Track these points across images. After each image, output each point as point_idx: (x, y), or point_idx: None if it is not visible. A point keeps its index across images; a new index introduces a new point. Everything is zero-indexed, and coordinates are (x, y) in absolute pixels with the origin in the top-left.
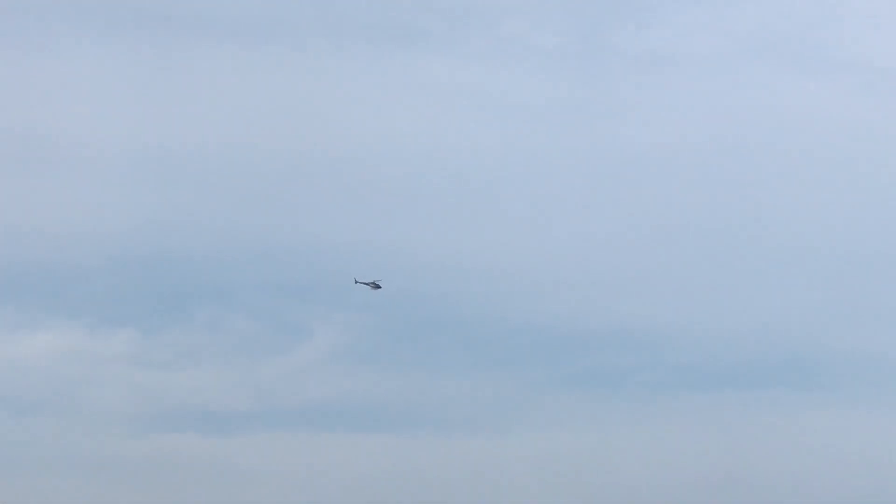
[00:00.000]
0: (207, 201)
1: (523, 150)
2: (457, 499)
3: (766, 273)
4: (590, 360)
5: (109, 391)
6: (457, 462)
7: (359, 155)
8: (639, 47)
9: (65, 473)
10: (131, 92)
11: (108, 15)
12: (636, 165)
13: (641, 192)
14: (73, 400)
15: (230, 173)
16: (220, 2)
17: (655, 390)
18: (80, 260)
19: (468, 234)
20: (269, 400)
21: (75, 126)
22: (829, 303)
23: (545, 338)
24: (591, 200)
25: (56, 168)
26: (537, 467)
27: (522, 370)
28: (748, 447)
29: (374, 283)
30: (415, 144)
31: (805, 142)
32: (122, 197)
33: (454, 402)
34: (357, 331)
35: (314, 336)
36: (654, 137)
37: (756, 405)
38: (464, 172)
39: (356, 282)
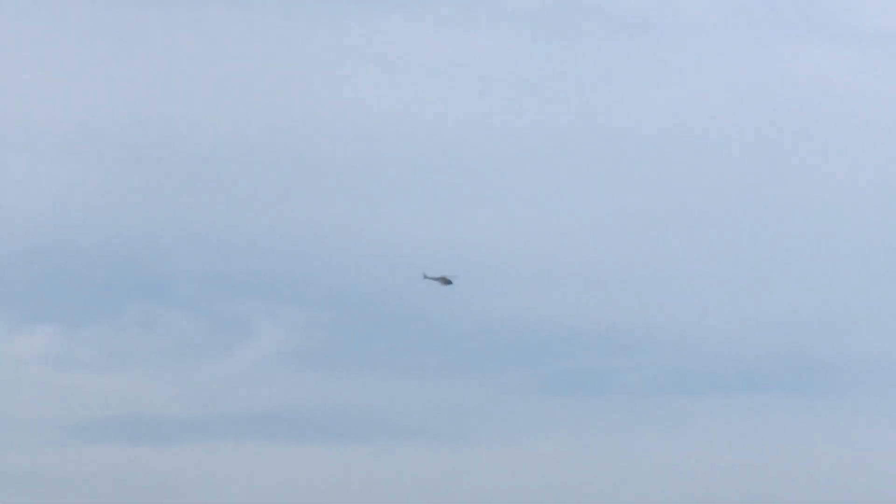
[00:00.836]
0: (138, 183)
1: (497, 126)
2: None
3: (763, 270)
4: (570, 362)
5: (27, 396)
6: (419, 476)
7: (313, 131)
8: (625, 11)
9: None
10: (55, 64)
11: None
12: (623, 144)
13: (629, 175)
14: None
15: (164, 152)
16: None
17: (642, 394)
18: None
19: (434, 221)
20: (208, 406)
21: None
22: (827, 304)
23: (520, 337)
24: (572, 182)
25: None
26: (511, 481)
27: (494, 373)
28: (742, 452)
29: (444, 277)
30: (375, 119)
31: (810, 117)
32: (41, 178)
33: (416, 409)
34: (306, 329)
35: (258, 335)
36: (642, 113)
37: (750, 409)
38: (430, 150)
39: (425, 277)
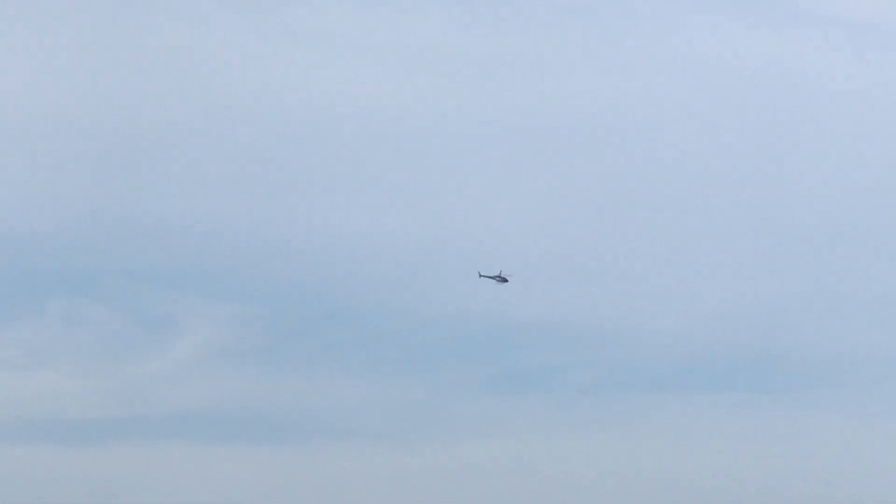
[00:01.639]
0: (59, 171)
1: (427, 111)
2: None
3: (712, 267)
4: (516, 360)
5: None
6: (357, 478)
7: (236, 117)
8: None
9: None
10: None
11: None
12: (561, 129)
13: (570, 162)
14: None
15: (89, 144)
16: None
17: (590, 392)
18: None
19: (369, 211)
20: (136, 406)
21: None
22: (775, 300)
23: (460, 333)
24: (510, 170)
25: None
26: (452, 482)
27: (436, 371)
28: (689, 450)
29: (499, 276)
30: (312, 108)
31: (761, 102)
32: None
33: (355, 409)
34: (238, 326)
35: (188, 332)
36: (578, 97)
37: (698, 406)
38: (370, 140)
39: (480, 275)
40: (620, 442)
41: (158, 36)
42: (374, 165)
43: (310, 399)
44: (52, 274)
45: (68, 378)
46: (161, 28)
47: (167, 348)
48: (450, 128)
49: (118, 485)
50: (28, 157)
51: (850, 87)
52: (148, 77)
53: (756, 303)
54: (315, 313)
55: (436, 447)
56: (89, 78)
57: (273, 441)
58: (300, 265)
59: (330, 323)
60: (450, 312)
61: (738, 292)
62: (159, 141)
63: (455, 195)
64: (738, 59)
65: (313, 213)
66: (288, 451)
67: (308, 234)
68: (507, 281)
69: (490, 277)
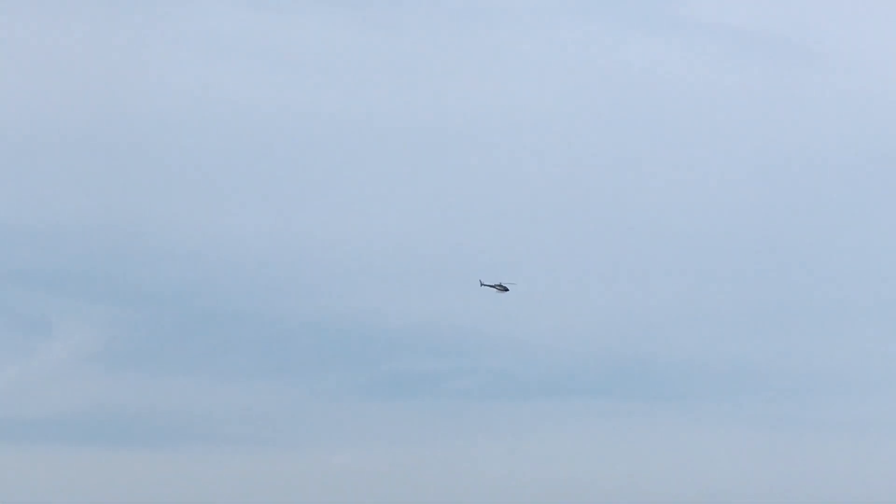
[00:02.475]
0: None
1: (312, 113)
2: None
3: (592, 274)
4: (396, 365)
5: None
6: (234, 483)
7: (113, 116)
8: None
9: None
10: None
11: None
12: (448, 134)
13: (453, 165)
14: None
15: None
16: None
17: (472, 399)
18: None
19: (248, 214)
20: (6, 409)
21: None
22: (654, 309)
23: (342, 338)
24: (393, 173)
25: None
26: (330, 488)
27: (315, 375)
28: (572, 457)
29: (500, 285)
30: (192, 108)
31: (641, 108)
32: None
33: (231, 413)
34: (112, 329)
35: (60, 335)
36: (466, 103)
37: (579, 413)
38: (249, 140)
39: (481, 284)
40: (499, 448)
41: (38, 35)
42: (249, 166)
43: (186, 403)
44: None
45: None
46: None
47: (38, 351)
48: (332, 132)
49: None
50: None
51: (726, 93)
52: (27, 81)
53: (634, 310)
54: (191, 317)
55: (314, 452)
56: None
57: (148, 445)
58: (176, 268)
59: (206, 327)
60: (331, 317)
61: (617, 299)
62: (31, 141)
63: (328, 196)
64: (615, 64)
65: (188, 215)
66: (163, 455)
67: (184, 237)
68: (507, 290)
69: (491, 286)
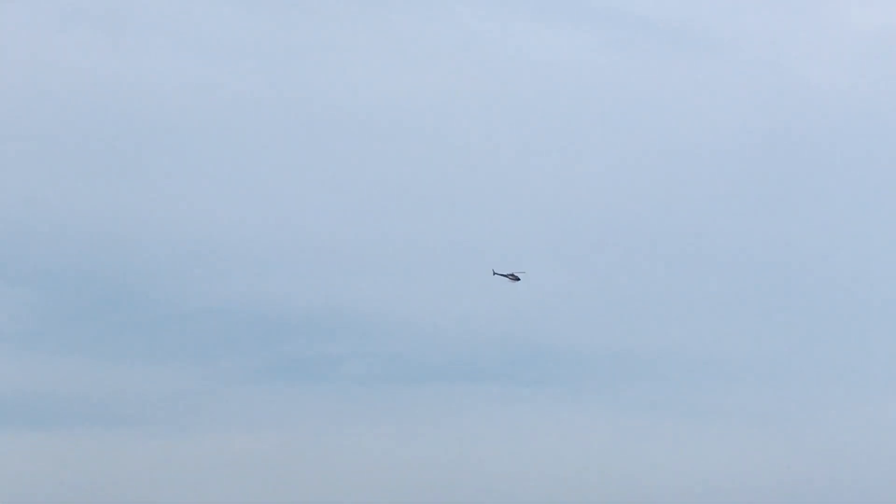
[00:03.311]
0: None
1: (213, 96)
2: None
3: (489, 257)
4: (290, 348)
5: None
6: (127, 466)
7: (18, 99)
8: None
9: None
10: None
11: None
12: (353, 120)
13: (358, 149)
14: None
15: None
16: None
17: (364, 383)
18: None
19: (144, 196)
20: None
21: None
22: (551, 294)
23: (236, 321)
24: (296, 155)
25: None
26: (226, 472)
27: (208, 358)
28: (465, 444)
29: (513, 274)
30: (91, 87)
31: (552, 100)
32: None
33: (126, 396)
34: (9, 309)
35: None
36: (371, 89)
37: (474, 399)
38: (149, 120)
39: (494, 273)
40: (392, 432)
41: None
42: (155, 150)
43: (81, 385)
44: None
45: None
46: None
47: None
48: (234, 114)
49: None
50: None
51: (638, 85)
52: None
53: (528, 296)
54: (87, 298)
55: (210, 436)
56: None
57: (42, 427)
58: (72, 249)
59: (103, 308)
60: (227, 300)
61: (514, 287)
62: None
63: (229, 180)
64: (525, 54)
65: (86, 196)
66: (58, 437)
67: (80, 217)
68: (518, 279)
69: (504, 276)
